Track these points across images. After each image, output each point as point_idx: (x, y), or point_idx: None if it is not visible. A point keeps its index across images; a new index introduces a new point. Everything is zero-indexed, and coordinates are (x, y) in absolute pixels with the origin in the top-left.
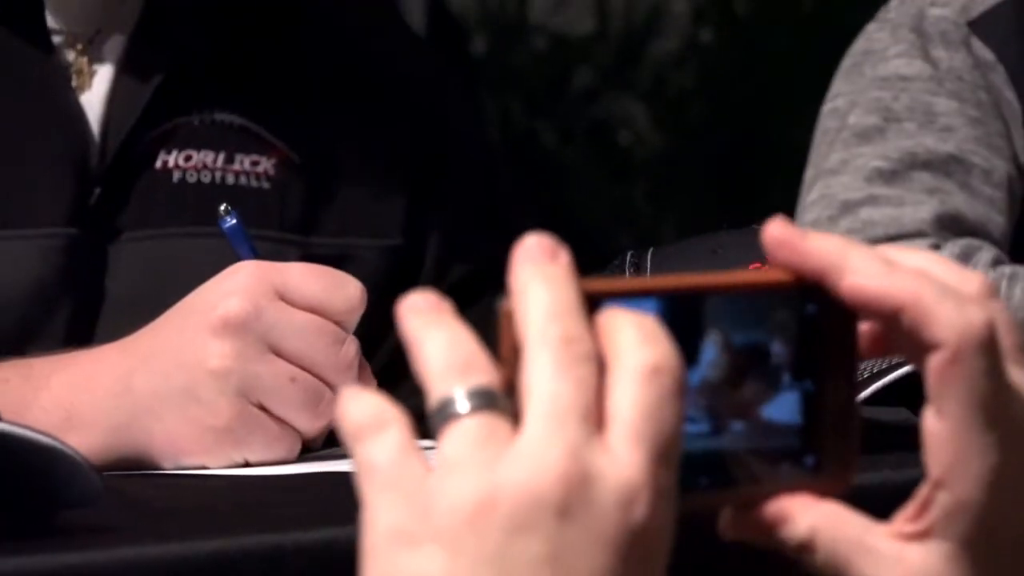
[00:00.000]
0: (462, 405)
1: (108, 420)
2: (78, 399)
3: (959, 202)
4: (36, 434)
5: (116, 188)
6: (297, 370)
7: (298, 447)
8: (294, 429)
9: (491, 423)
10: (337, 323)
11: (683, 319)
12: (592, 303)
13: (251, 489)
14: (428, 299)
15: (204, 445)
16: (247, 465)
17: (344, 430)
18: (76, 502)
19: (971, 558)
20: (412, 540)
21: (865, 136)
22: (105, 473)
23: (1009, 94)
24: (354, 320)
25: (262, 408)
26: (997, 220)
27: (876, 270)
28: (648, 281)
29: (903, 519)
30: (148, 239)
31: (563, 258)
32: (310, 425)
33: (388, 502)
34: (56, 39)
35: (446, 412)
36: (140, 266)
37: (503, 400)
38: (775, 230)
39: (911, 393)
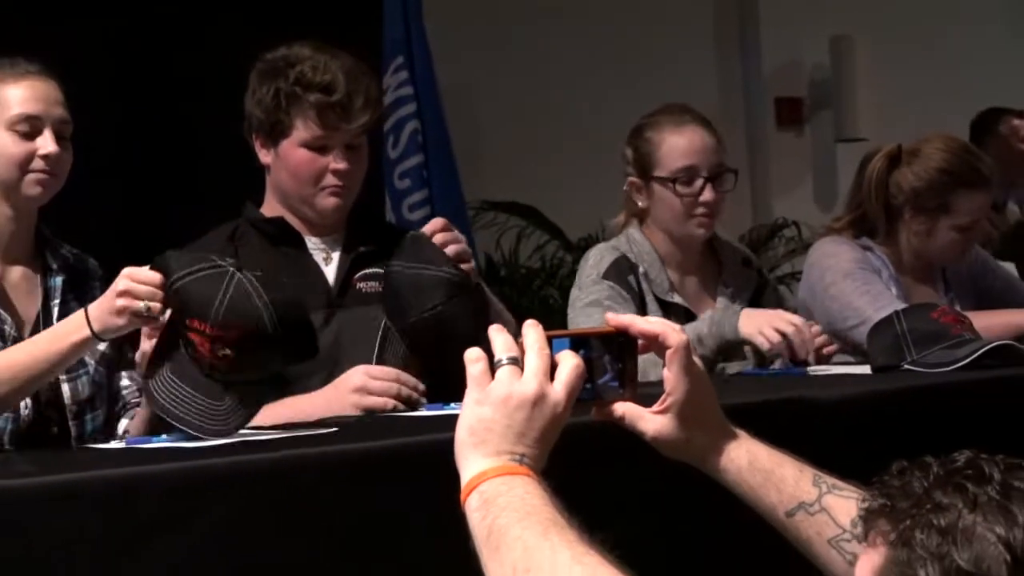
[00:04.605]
0: (505, 361)
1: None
2: (300, 408)
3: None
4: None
5: (340, 296)
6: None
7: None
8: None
9: (514, 369)
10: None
11: (578, 345)
12: (549, 338)
13: (404, 421)
14: (498, 326)
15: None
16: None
17: (466, 361)
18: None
19: (680, 420)
20: (480, 404)
21: (594, 304)
22: (338, 418)
23: (626, 294)
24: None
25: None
26: None
27: (646, 323)
28: (565, 331)
29: (656, 405)
30: (350, 313)
31: (540, 326)
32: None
33: (474, 388)
34: (311, 250)
35: (500, 363)
36: (348, 322)
37: (520, 362)
38: (611, 316)
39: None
